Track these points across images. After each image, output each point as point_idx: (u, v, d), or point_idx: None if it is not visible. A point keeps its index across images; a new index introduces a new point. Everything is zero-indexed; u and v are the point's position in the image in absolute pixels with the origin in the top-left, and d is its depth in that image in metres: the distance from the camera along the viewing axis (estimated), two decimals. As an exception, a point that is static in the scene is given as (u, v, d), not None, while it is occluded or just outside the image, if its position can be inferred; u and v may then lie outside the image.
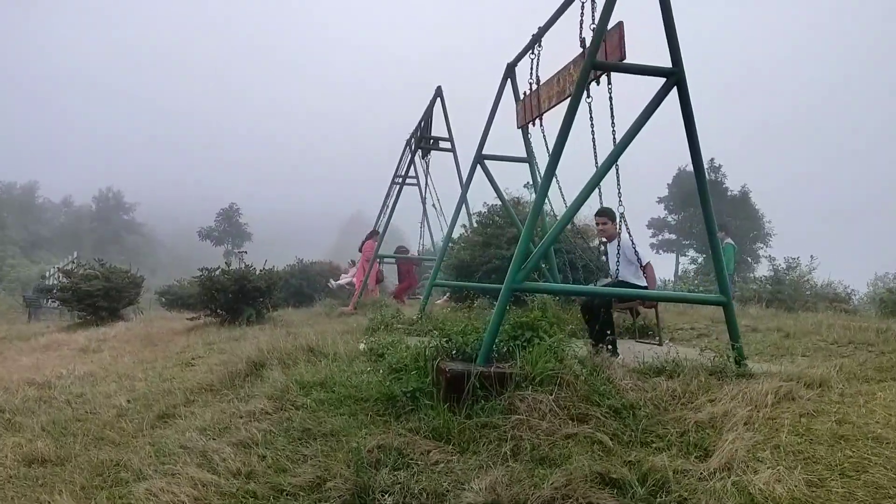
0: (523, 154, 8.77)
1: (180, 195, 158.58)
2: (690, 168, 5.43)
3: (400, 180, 18.98)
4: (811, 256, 18.55)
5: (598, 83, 5.72)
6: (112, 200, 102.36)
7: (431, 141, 13.39)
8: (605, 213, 7.34)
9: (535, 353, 4.54)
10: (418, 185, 17.17)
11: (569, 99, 6.24)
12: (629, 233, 6.72)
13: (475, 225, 9.71)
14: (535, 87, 7.44)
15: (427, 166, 14.74)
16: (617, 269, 6.73)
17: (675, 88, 4.92)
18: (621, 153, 4.90)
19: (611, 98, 5.11)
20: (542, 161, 8.72)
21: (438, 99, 13.18)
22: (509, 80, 8.60)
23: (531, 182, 8.74)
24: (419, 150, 14.05)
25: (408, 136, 18.23)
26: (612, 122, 5.06)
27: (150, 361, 8.86)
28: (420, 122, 14.90)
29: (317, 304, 16.01)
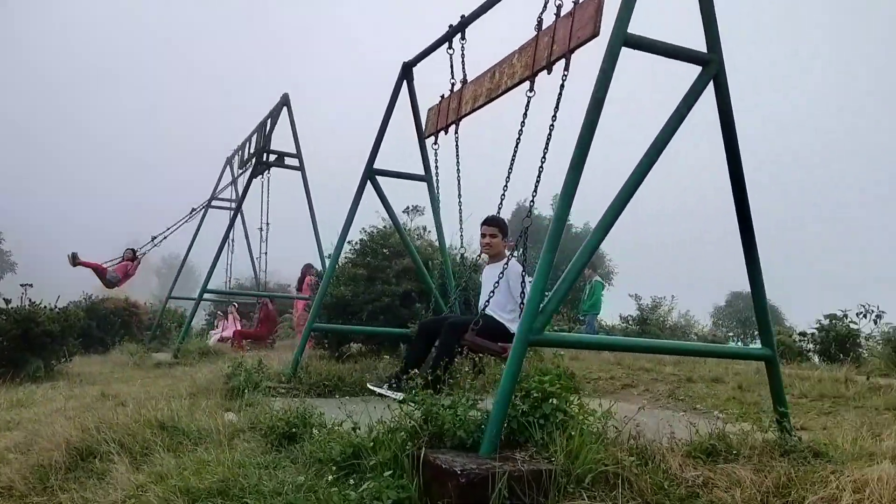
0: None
1: None
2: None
3: (217, 204, 16.74)
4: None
5: (549, 72, 4.58)
6: None
7: (274, 157, 11.44)
8: (495, 223, 5.56)
9: (577, 440, 3.13)
10: (239, 209, 14.96)
11: (509, 91, 5.13)
12: (524, 260, 5.09)
13: (349, 255, 8.05)
14: (458, 86, 6.15)
15: (267, 186, 12.76)
16: (487, 302, 4.91)
17: (711, 83, 3.89)
18: (654, 162, 3.74)
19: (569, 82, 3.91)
20: (443, 178, 7.37)
21: (285, 107, 11.37)
22: (405, 81, 7.19)
23: (430, 202, 7.34)
24: (257, 168, 11.99)
25: (229, 154, 16.05)
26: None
27: None
28: (251, 136, 12.91)
29: (113, 350, 13.02)
